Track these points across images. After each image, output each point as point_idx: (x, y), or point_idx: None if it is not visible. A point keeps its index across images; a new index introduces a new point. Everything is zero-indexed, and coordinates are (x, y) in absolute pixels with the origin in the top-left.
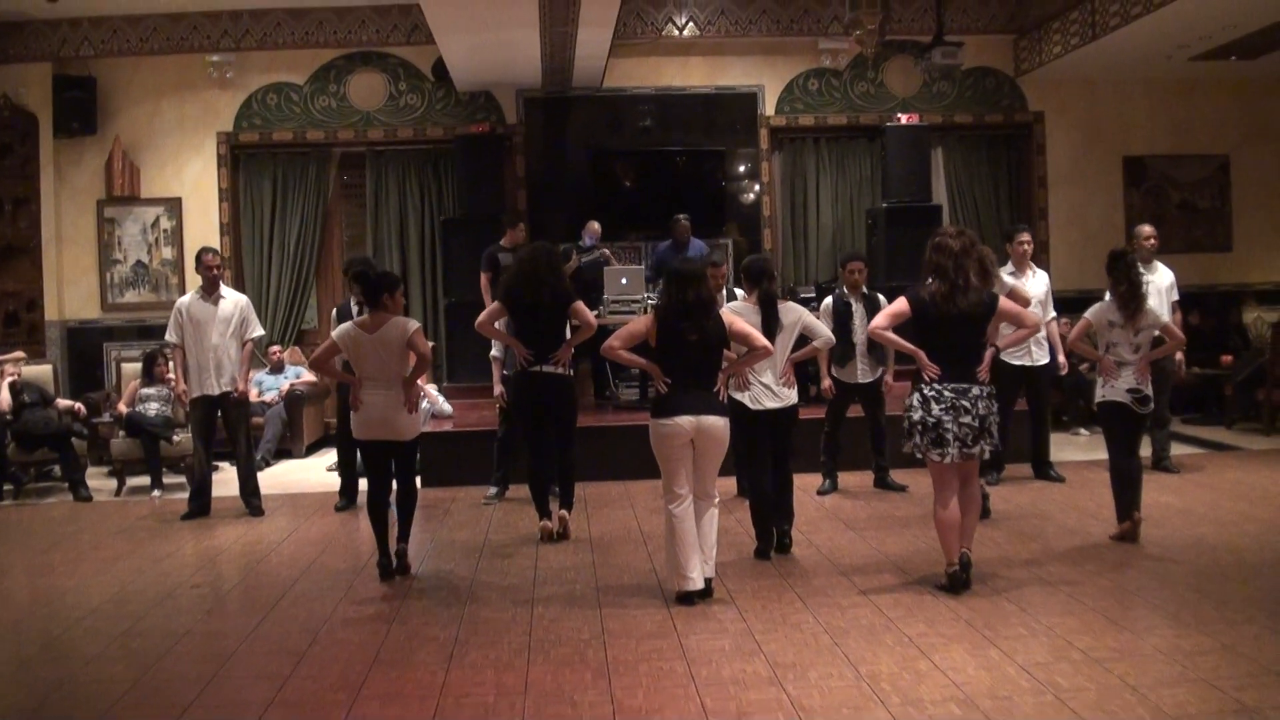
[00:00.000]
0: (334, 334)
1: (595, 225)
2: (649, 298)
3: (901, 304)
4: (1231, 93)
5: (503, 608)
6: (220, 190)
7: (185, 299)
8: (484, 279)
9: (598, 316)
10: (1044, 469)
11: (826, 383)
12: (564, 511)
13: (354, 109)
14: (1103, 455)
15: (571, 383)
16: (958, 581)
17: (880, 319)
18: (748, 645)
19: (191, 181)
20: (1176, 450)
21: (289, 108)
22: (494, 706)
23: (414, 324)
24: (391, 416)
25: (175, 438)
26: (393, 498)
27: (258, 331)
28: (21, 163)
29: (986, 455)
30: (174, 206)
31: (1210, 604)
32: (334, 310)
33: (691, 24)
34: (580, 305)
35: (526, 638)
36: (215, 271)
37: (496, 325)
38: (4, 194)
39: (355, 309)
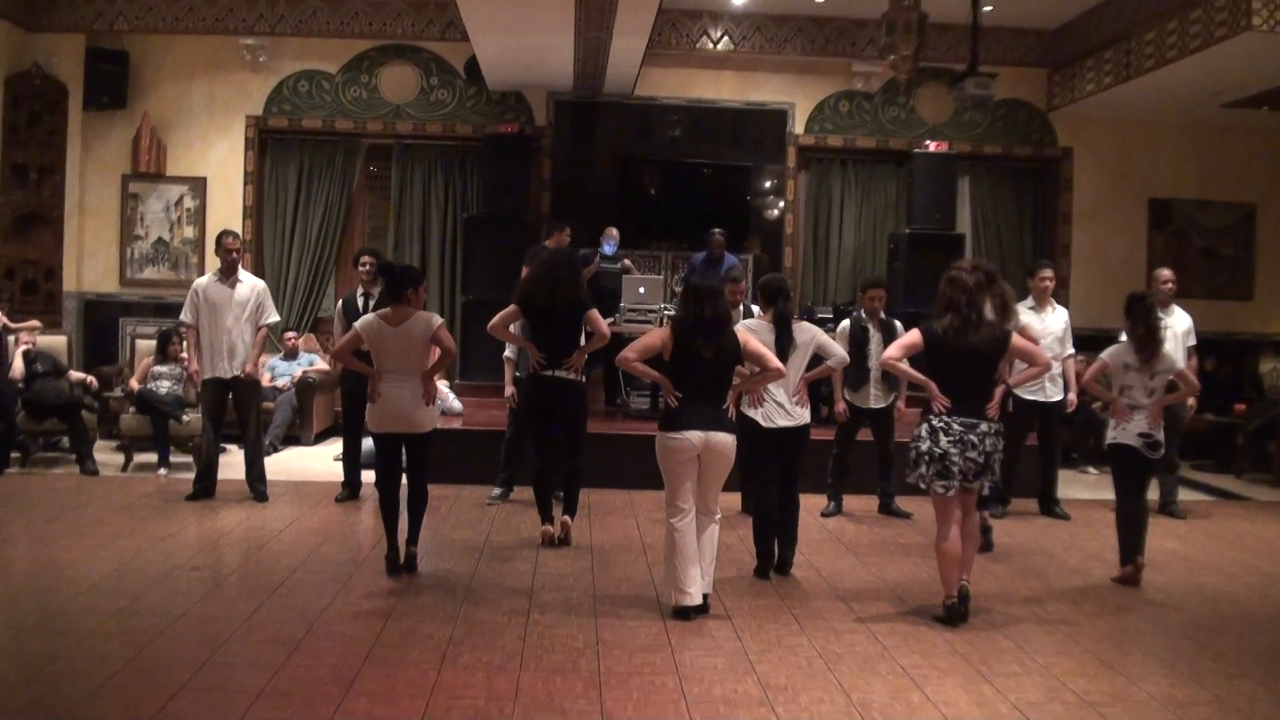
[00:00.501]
0: (357, 325)
1: (614, 231)
2: (666, 308)
3: (915, 335)
4: (1262, 142)
5: (499, 610)
6: (246, 173)
7: (203, 280)
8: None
9: (613, 325)
10: (1050, 506)
11: (841, 406)
12: (567, 517)
13: (384, 101)
14: (1109, 495)
15: (583, 388)
16: (955, 614)
17: (893, 350)
18: (741, 665)
19: (217, 162)
20: (1184, 496)
21: (319, 95)
22: (484, 710)
23: (438, 319)
24: (410, 410)
25: (185, 417)
26: (403, 495)
27: (273, 317)
28: (49, 132)
29: (985, 491)
30: (198, 186)
31: (1207, 655)
32: (339, 302)
33: (726, 38)
34: (595, 314)
35: (520, 642)
36: (234, 255)
37: (511, 328)
38: (30, 162)
39: (361, 301)
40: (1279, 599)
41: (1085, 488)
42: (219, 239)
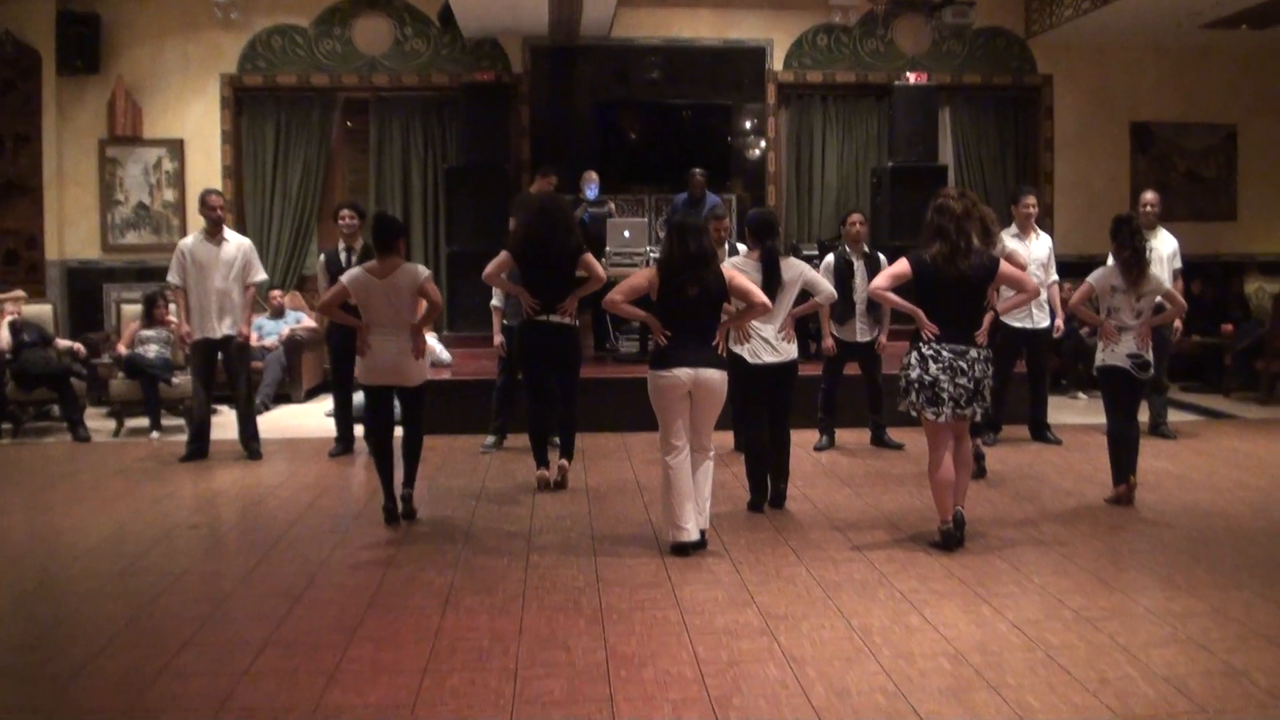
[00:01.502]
0: (344, 279)
1: (594, 175)
2: (651, 250)
3: (903, 265)
4: (1242, 62)
5: (499, 554)
6: (223, 133)
7: (188, 240)
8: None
9: None
10: (1041, 431)
11: (828, 341)
12: (564, 461)
13: (359, 53)
14: (1100, 419)
15: (576, 333)
16: (951, 539)
17: (881, 279)
18: (740, 596)
19: (194, 123)
20: (1174, 417)
21: (293, 50)
22: (488, 651)
23: (425, 271)
24: (400, 362)
25: (174, 380)
26: (398, 444)
27: (260, 276)
28: (23, 100)
29: (978, 418)
30: (176, 148)
31: (1202, 568)
32: (321, 256)
33: None
34: (590, 257)
35: (522, 584)
36: (219, 213)
37: (503, 275)
38: (5, 131)
39: (344, 256)
40: (1271, 512)
41: (1075, 413)
42: (203, 198)
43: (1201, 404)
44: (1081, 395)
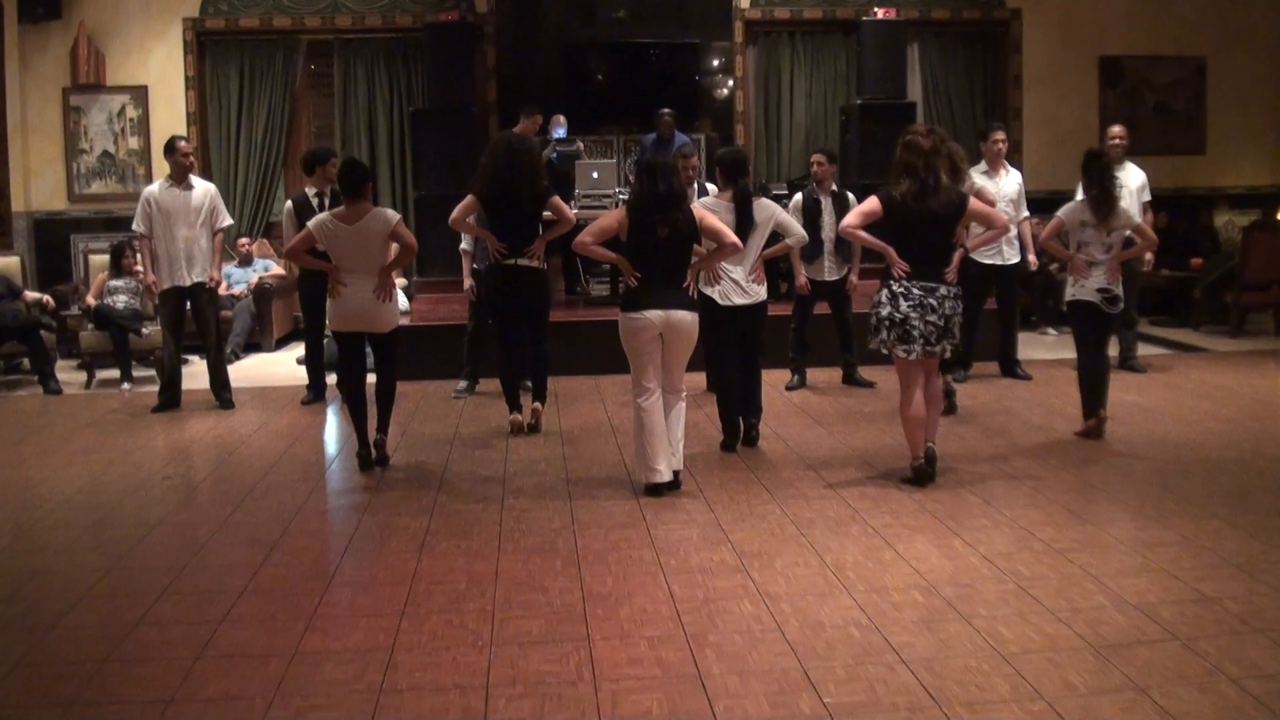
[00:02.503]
0: (310, 224)
1: (561, 118)
2: (620, 192)
3: (873, 203)
4: None
5: (473, 499)
6: (186, 79)
7: (153, 188)
8: None
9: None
10: (1011, 367)
11: (801, 279)
12: (537, 404)
13: None
14: (1070, 355)
15: (545, 275)
16: (922, 474)
17: (851, 217)
18: (715, 535)
19: (157, 69)
20: (1143, 350)
21: None
22: (465, 593)
23: (395, 214)
24: (370, 308)
25: (144, 330)
26: (371, 391)
27: (227, 221)
28: None
29: (948, 354)
30: (140, 95)
31: (1172, 499)
32: (288, 202)
33: None
34: (558, 200)
35: (497, 528)
36: (190, 160)
37: (470, 219)
38: None
39: (315, 201)
40: (1240, 443)
41: (1046, 348)
42: (172, 145)
43: (1171, 338)
44: (1051, 331)
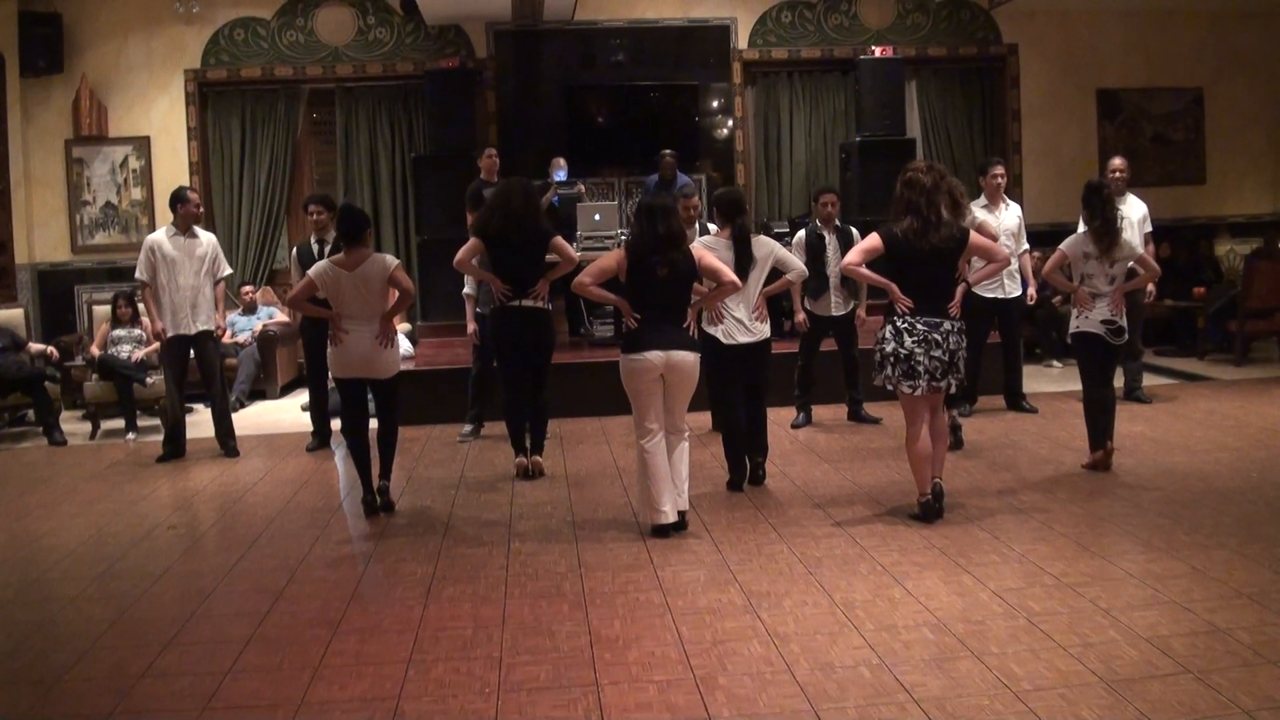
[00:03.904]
0: (311, 272)
1: (561, 160)
2: (622, 234)
3: (874, 240)
4: (1206, 25)
5: (479, 543)
6: (189, 129)
7: (156, 236)
8: (471, 217)
9: None
10: (1017, 401)
11: (800, 316)
12: (537, 457)
13: (322, 44)
14: (1075, 387)
15: (550, 316)
16: (930, 511)
17: (853, 255)
18: (722, 575)
19: (160, 120)
20: (1149, 381)
21: (256, 43)
22: (472, 639)
23: (394, 260)
24: (371, 354)
25: (149, 380)
26: (373, 436)
27: (227, 270)
28: None
29: (953, 389)
30: (142, 146)
31: (1181, 530)
32: (293, 250)
33: None
34: (560, 240)
35: (503, 572)
36: (199, 209)
37: (474, 262)
38: None
39: (316, 248)
40: (1248, 472)
41: (1051, 381)
42: (184, 196)
43: (1176, 367)
44: (1056, 363)
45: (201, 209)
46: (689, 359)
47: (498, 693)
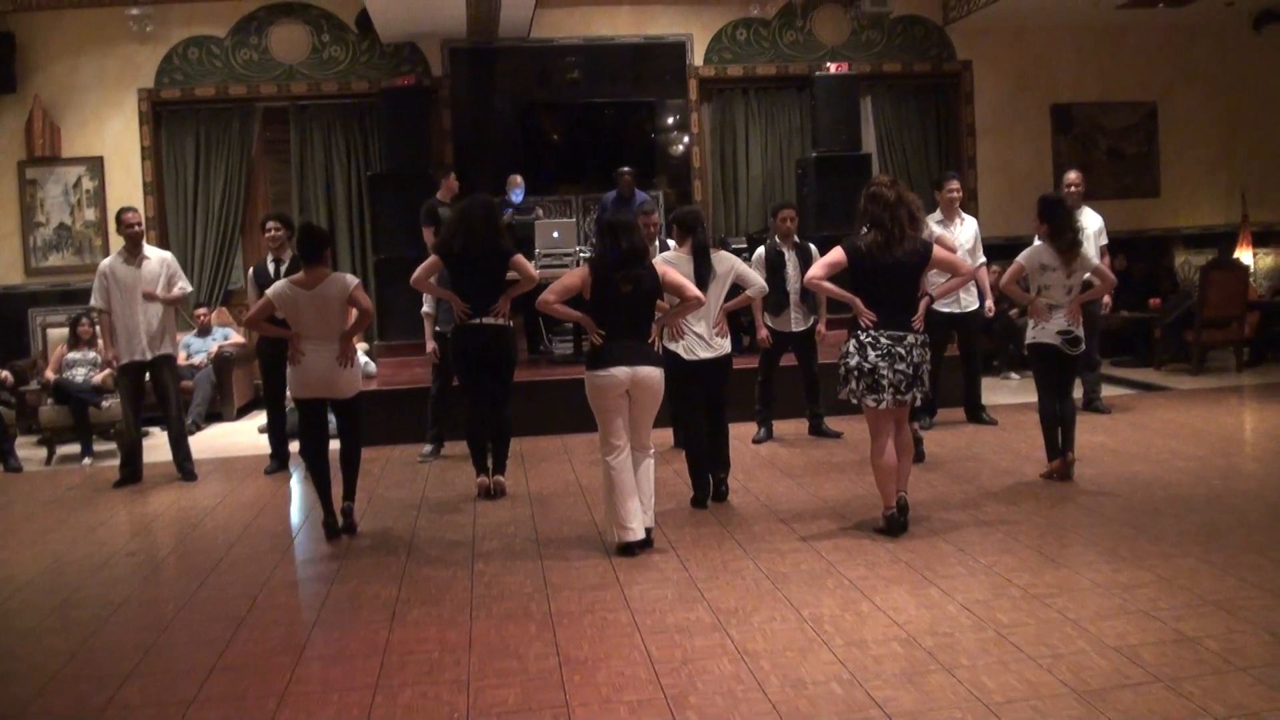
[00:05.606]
0: (269, 292)
1: (519, 178)
2: (581, 251)
3: (838, 254)
4: (1159, 40)
5: (444, 564)
6: (142, 148)
7: (108, 261)
8: (427, 234)
9: None
10: (977, 413)
11: (763, 333)
12: (499, 477)
13: (276, 62)
14: (1033, 398)
15: (511, 333)
16: (895, 524)
17: (817, 269)
18: (690, 593)
19: (113, 140)
20: (1107, 391)
21: (210, 62)
22: (439, 662)
23: (354, 279)
24: (331, 374)
25: (104, 403)
26: (334, 457)
27: (186, 286)
28: None
29: (918, 402)
30: (96, 166)
31: (1145, 539)
32: (249, 270)
33: None
34: (521, 258)
35: (469, 593)
36: (136, 229)
37: (432, 280)
38: None
39: (273, 268)
40: (1210, 480)
41: (1009, 393)
42: (119, 216)
43: (1133, 378)
44: (1014, 375)
45: (138, 229)
46: (654, 374)
47: (466, 717)
